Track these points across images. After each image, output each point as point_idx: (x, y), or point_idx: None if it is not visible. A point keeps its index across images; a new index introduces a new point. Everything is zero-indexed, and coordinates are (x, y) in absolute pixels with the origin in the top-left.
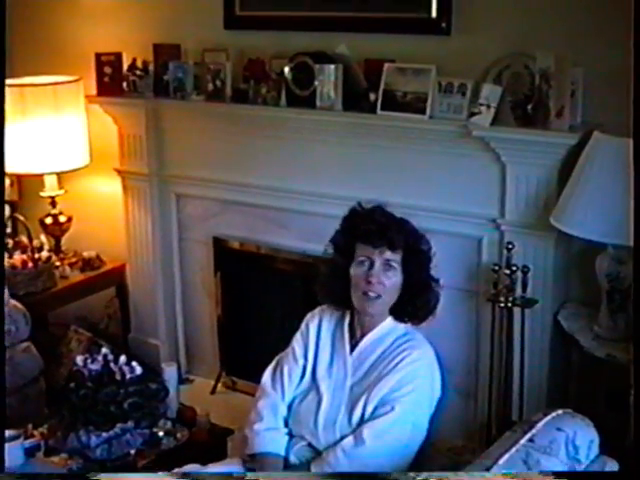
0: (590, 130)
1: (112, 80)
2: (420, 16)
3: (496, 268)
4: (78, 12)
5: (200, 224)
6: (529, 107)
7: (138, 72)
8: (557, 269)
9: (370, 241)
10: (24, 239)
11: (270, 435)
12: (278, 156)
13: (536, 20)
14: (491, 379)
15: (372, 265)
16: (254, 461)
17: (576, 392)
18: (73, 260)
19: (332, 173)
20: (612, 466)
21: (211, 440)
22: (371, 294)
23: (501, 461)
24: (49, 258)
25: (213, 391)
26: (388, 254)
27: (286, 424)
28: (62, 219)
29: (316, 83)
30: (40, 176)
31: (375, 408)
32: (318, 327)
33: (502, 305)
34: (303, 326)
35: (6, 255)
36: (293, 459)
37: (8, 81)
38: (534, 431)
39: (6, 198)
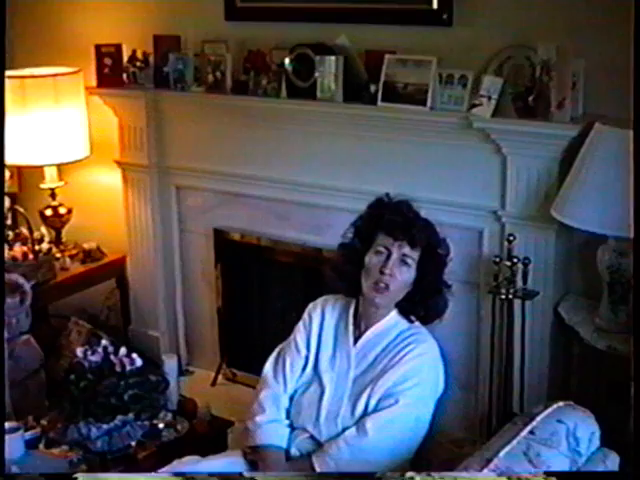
0: (591, 122)
1: (112, 72)
2: (421, 7)
3: (497, 260)
4: (78, 3)
5: (200, 216)
6: (530, 99)
7: (138, 63)
8: (558, 261)
9: (392, 233)
10: (24, 231)
11: (272, 427)
12: (278, 148)
13: (537, 12)
14: (492, 371)
15: (389, 257)
16: (255, 453)
17: (577, 384)
18: (73, 252)
19: (332, 165)
20: (613, 458)
21: (211, 432)
22: (381, 285)
23: (502, 453)
24: (49, 250)
25: (213, 383)
26: (407, 250)
27: (288, 415)
28: (62, 211)
29: (316, 74)
30: (40, 168)
31: (379, 401)
32: (321, 317)
33: (503, 297)
34: (305, 316)
35: (6, 247)
36: (294, 451)
37: (8, 72)
38: (535, 423)
39: (6, 190)
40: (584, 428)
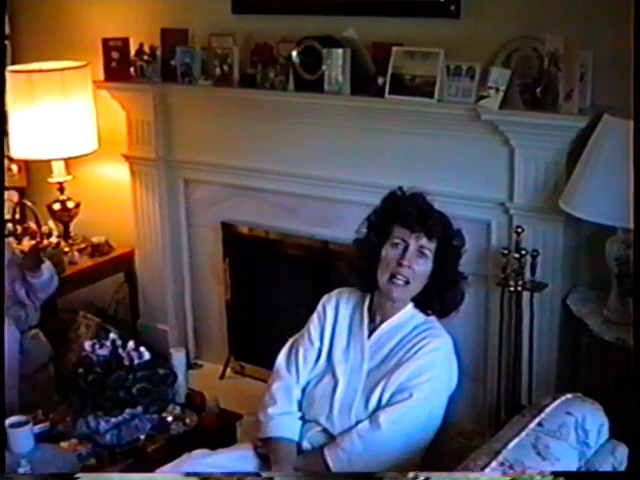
0: (599, 113)
1: (119, 65)
2: None
3: (505, 252)
4: None
5: (208, 209)
6: (538, 90)
7: (145, 57)
8: (566, 253)
9: (409, 225)
10: (32, 225)
11: (284, 420)
12: (286, 141)
13: (545, 3)
14: (500, 363)
15: (406, 249)
16: (267, 446)
17: (585, 376)
18: (82, 246)
19: (340, 157)
20: (622, 450)
21: (220, 425)
22: (399, 279)
23: (510, 445)
24: (58, 244)
25: (222, 376)
26: (424, 241)
27: (300, 408)
28: (70, 205)
29: (324, 67)
30: (48, 162)
31: (392, 394)
32: (335, 309)
33: (511, 289)
34: (320, 308)
35: (15, 241)
36: (306, 444)
37: (16, 67)
38: (543, 415)
39: (14, 184)
40: (593, 420)
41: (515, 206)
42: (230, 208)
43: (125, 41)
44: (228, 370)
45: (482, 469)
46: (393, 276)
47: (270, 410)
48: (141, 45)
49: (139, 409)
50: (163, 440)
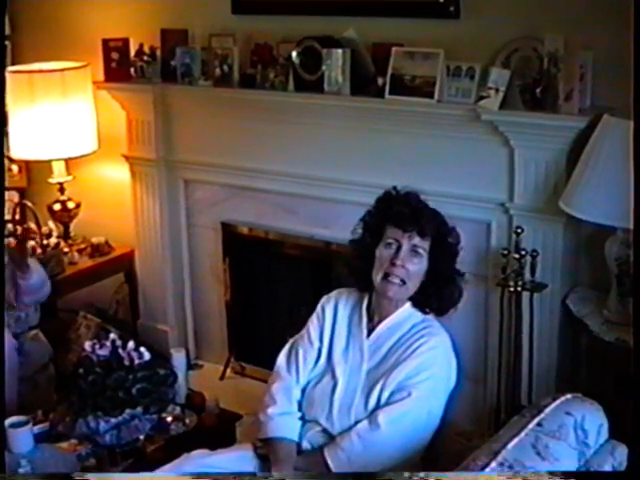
0: (599, 113)
1: (119, 66)
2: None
3: (505, 252)
4: None
5: (208, 209)
6: (538, 91)
7: (145, 57)
8: (566, 253)
9: (401, 224)
10: (33, 225)
11: (284, 420)
12: (286, 141)
13: (545, 3)
14: (500, 363)
15: (399, 249)
16: (266, 446)
17: (585, 376)
18: (82, 246)
19: (340, 158)
20: (621, 450)
21: (220, 425)
22: (394, 279)
23: (510, 445)
24: (58, 244)
25: (222, 376)
26: (417, 240)
27: (300, 408)
28: (70, 205)
29: (324, 68)
30: (48, 162)
31: (391, 394)
32: (334, 310)
33: (511, 289)
34: (319, 308)
35: (14, 241)
36: (306, 444)
37: (16, 67)
38: (543, 415)
39: (15, 185)
40: (592, 420)
41: (515, 206)
42: (230, 208)
43: (125, 41)
44: (228, 370)
45: (482, 469)
46: (387, 275)
47: (270, 410)
48: (141, 45)
49: (139, 409)
50: (163, 440)
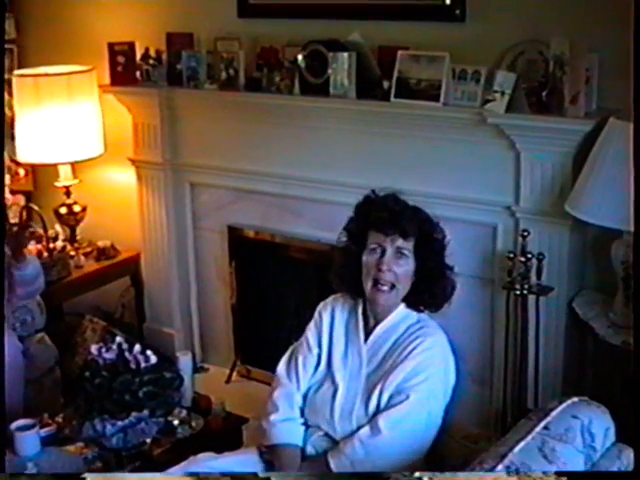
0: (606, 116)
1: (125, 70)
2: (434, 3)
3: (511, 255)
4: (91, 2)
5: (214, 213)
6: (543, 94)
7: (151, 61)
8: (572, 256)
9: (382, 229)
10: (39, 229)
11: (287, 426)
12: (292, 144)
13: (550, 6)
14: (506, 367)
15: (384, 253)
16: (271, 452)
17: (592, 379)
18: (88, 250)
19: (346, 161)
20: (628, 454)
21: (226, 429)
22: (383, 285)
23: (517, 449)
24: (64, 248)
25: (228, 380)
26: (400, 242)
27: (302, 414)
28: (76, 209)
29: (329, 71)
30: (54, 166)
31: (390, 397)
32: (331, 316)
33: (517, 293)
34: (316, 315)
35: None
36: (310, 449)
37: (22, 71)
38: (549, 419)
39: (21, 188)
40: (599, 423)
41: (521, 209)
42: (236, 212)
43: (131, 45)
44: (234, 374)
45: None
46: (377, 282)
47: (272, 417)
48: (147, 49)
49: (145, 412)
50: (169, 443)
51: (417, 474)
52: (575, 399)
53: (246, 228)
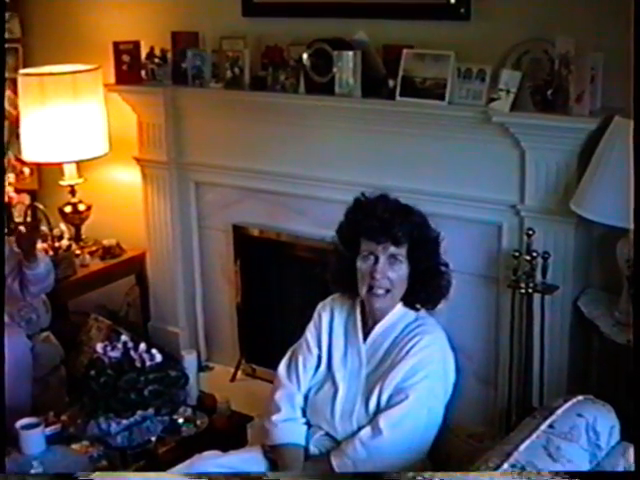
0: (610, 115)
1: (130, 68)
2: (439, 1)
3: (516, 254)
4: (96, 1)
5: (219, 212)
6: (548, 92)
7: (156, 60)
8: (577, 255)
9: (373, 237)
10: (44, 228)
11: (289, 426)
12: (297, 143)
13: (555, 5)
14: (511, 365)
15: (377, 260)
16: (275, 452)
17: (597, 378)
18: (93, 248)
19: (351, 159)
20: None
21: (231, 427)
22: (378, 290)
23: (522, 447)
24: (69, 246)
25: (233, 378)
26: (392, 249)
27: (304, 414)
28: (81, 208)
29: (334, 70)
30: (59, 165)
31: (390, 396)
32: (330, 316)
33: (522, 291)
34: (315, 316)
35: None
36: (313, 449)
37: (27, 70)
38: (554, 417)
39: (26, 187)
40: (604, 422)
41: (526, 208)
42: (241, 210)
43: (136, 44)
44: (239, 372)
45: (494, 470)
46: (371, 288)
47: (274, 417)
48: (152, 48)
49: (150, 411)
50: (174, 442)
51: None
52: (580, 397)
53: (251, 227)
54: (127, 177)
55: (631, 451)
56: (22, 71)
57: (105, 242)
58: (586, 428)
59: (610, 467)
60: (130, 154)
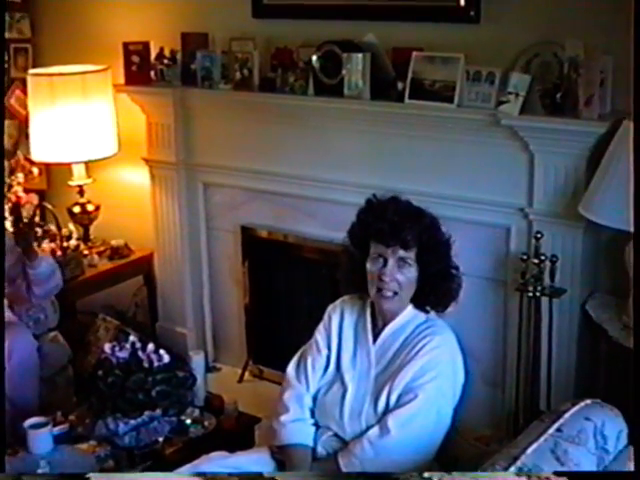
0: (619, 119)
1: (140, 69)
2: (449, 4)
3: (524, 257)
4: (106, 1)
5: (228, 213)
6: (558, 96)
7: (166, 61)
8: (586, 258)
9: (383, 240)
10: (53, 228)
11: (297, 426)
12: (305, 145)
13: (565, 8)
14: (519, 368)
15: (386, 263)
16: (282, 452)
17: (604, 382)
18: (101, 249)
19: (360, 162)
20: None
21: (239, 428)
22: (387, 292)
23: (529, 451)
24: (77, 247)
25: (240, 379)
26: (401, 252)
27: (312, 415)
28: (90, 208)
29: (344, 72)
30: (68, 165)
31: (399, 396)
32: (340, 318)
33: (530, 295)
34: (325, 317)
35: (35, 243)
36: (320, 450)
37: (37, 70)
38: (562, 421)
39: (35, 187)
40: (612, 426)
41: (534, 211)
42: (249, 212)
43: (145, 45)
44: (247, 373)
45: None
46: (380, 290)
47: (283, 418)
48: (161, 49)
49: (158, 411)
50: (181, 443)
51: (427, 474)
52: (588, 401)
53: (259, 228)
54: (136, 178)
55: None
56: (32, 71)
57: (113, 242)
58: (594, 432)
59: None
60: (139, 155)
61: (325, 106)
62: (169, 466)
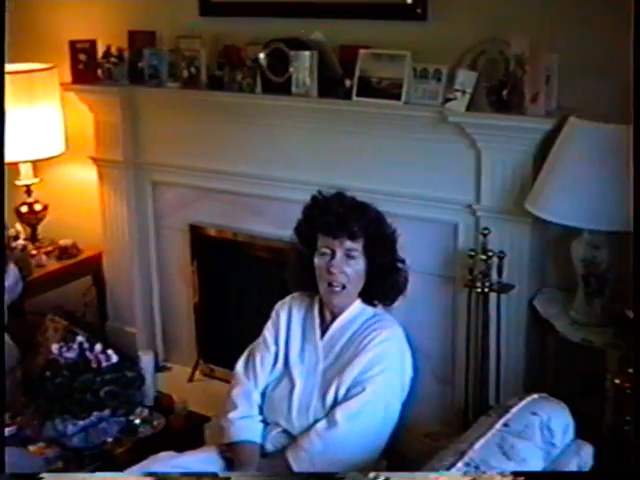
0: (566, 115)
1: (87, 68)
2: (396, 2)
3: (472, 254)
4: None
5: (176, 211)
6: (504, 93)
7: (113, 59)
8: (533, 254)
9: (330, 232)
10: None
11: (245, 423)
12: (254, 143)
13: (512, 6)
14: (467, 364)
15: (334, 255)
16: (231, 450)
17: (552, 377)
18: (49, 249)
19: (308, 160)
20: (587, 450)
21: (188, 427)
22: (335, 286)
23: (476, 446)
24: (25, 247)
25: (190, 379)
26: (349, 244)
27: (260, 412)
28: (38, 207)
29: (291, 70)
30: (15, 164)
31: (347, 390)
32: (288, 314)
33: (478, 291)
34: (273, 314)
35: None
36: (269, 446)
37: None
38: (509, 415)
39: None
40: (558, 420)
41: (482, 208)
42: (198, 210)
43: (92, 43)
44: (197, 373)
45: (448, 469)
46: (330, 284)
47: (231, 415)
48: (108, 47)
49: (107, 412)
50: (131, 443)
51: (372, 474)
52: (535, 396)
53: (208, 227)
54: (83, 177)
55: (585, 449)
56: None
57: (61, 242)
58: (540, 426)
59: (564, 465)
60: (87, 154)
61: (273, 104)
62: (119, 466)
